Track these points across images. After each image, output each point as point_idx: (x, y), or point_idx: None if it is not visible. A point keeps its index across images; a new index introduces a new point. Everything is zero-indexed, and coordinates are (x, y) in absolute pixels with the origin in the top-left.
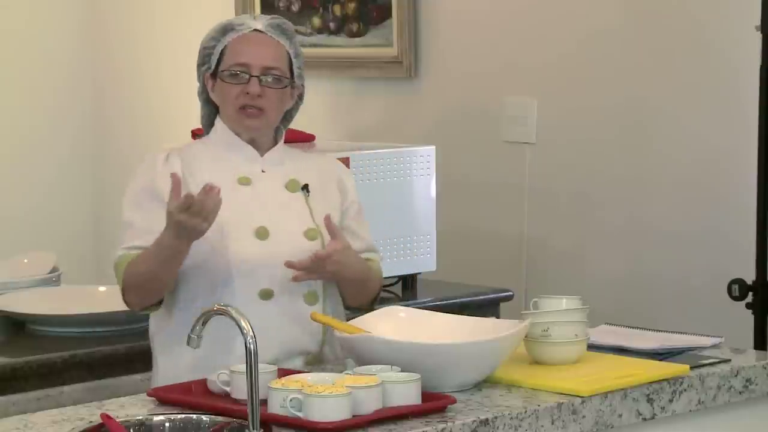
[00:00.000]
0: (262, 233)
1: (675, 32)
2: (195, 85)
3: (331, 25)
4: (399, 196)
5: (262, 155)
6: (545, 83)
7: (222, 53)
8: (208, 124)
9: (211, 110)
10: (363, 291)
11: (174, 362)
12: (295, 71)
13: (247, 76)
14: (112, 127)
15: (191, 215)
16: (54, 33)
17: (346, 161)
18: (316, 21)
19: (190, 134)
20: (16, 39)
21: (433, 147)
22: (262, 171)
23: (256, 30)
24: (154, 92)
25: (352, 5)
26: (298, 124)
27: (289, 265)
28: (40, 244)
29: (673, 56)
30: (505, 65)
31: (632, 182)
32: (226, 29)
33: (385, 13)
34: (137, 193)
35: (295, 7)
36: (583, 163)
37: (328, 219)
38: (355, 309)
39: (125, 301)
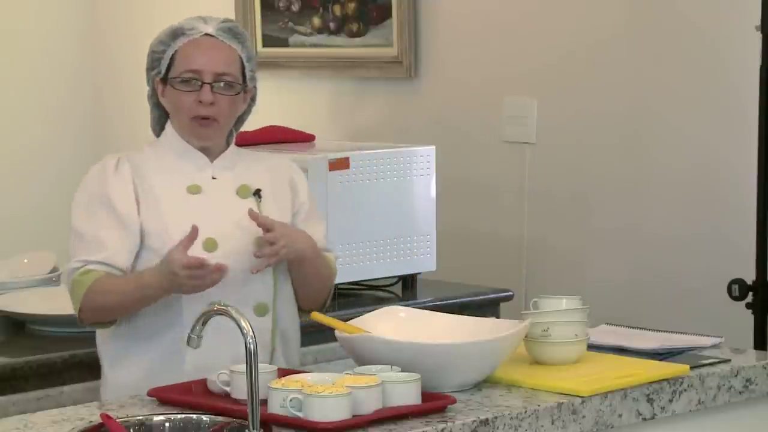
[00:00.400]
0: (210, 245)
1: (675, 32)
2: None
3: (331, 25)
4: (399, 196)
5: (212, 161)
6: (545, 83)
7: (173, 58)
8: (158, 128)
9: (160, 114)
10: (319, 279)
11: (123, 374)
12: (248, 74)
13: (199, 84)
14: (112, 128)
15: (193, 277)
16: (54, 34)
17: (346, 161)
18: (316, 21)
19: None
20: (17, 40)
21: (433, 147)
22: (213, 178)
23: (207, 34)
24: None
25: (352, 5)
26: (298, 124)
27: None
28: (40, 244)
29: (673, 56)
30: (505, 65)
31: (632, 182)
32: (176, 33)
33: (385, 13)
34: (87, 201)
35: (295, 7)
36: (583, 163)
37: (251, 212)
38: (309, 311)
39: (79, 317)
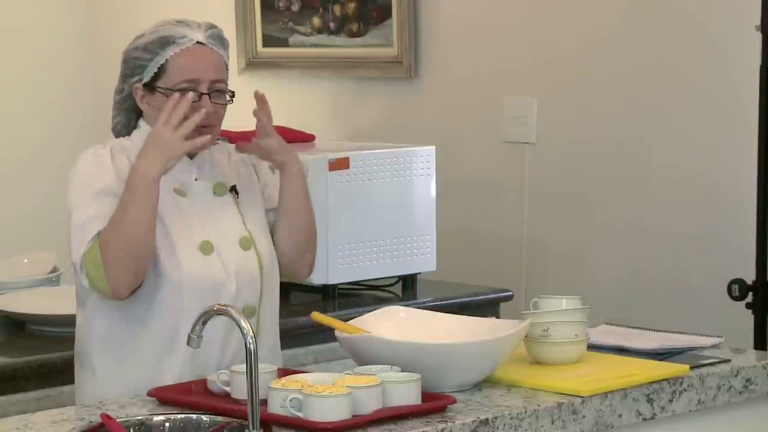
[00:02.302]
0: (206, 248)
1: (675, 32)
2: None
3: (331, 25)
4: (399, 196)
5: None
6: (545, 83)
7: (162, 67)
8: (125, 132)
9: (130, 118)
10: (308, 216)
11: (111, 380)
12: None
13: (198, 95)
14: None
15: (175, 116)
16: (54, 34)
17: (346, 161)
18: (316, 21)
19: None
20: (17, 40)
21: (433, 147)
22: (195, 179)
23: (198, 42)
24: None
25: (352, 5)
26: (298, 124)
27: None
28: (40, 244)
29: (673, 56)
30: (505, 65)
31: (632, 182)
32: (165, 42)
33: (385, 13)
34: (86, 189)
35: (295, 7)
36: (583, 163)
37: (241, 146)
38: (293, 274)
39: (111, 288)
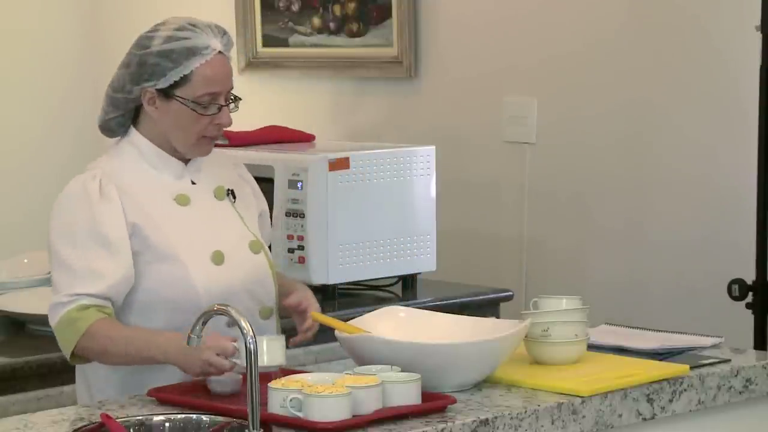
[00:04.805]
0: (218, 258)
1: (675, 32)
2: None
3: (331, 25)
4: (399, 196)
5: (185, 164)
6: (545, 83)
7: (185, 77)
8: (117, 128)
9: (128, 117)
10: None
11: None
12: None
13: (217, 107)
14: None
15: (214, 365)
16: (55, 34)
17: (346, 161)
18: (316, 21)
19: None
20: (18, 40)
21: (433, 147)
22: (192, 183)
23: (219, 52)
24: None
25: (352, 5)
26: (298, 124)
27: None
28: (40, 244)
29: (673, 56)
30: (505, 65)
31: (632, 182)
32: (190, 53)
33: (385, 13)
34: (74, 231)
35: (295, 7)
36: (583, 163)
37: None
38: None
39: (71, 354)
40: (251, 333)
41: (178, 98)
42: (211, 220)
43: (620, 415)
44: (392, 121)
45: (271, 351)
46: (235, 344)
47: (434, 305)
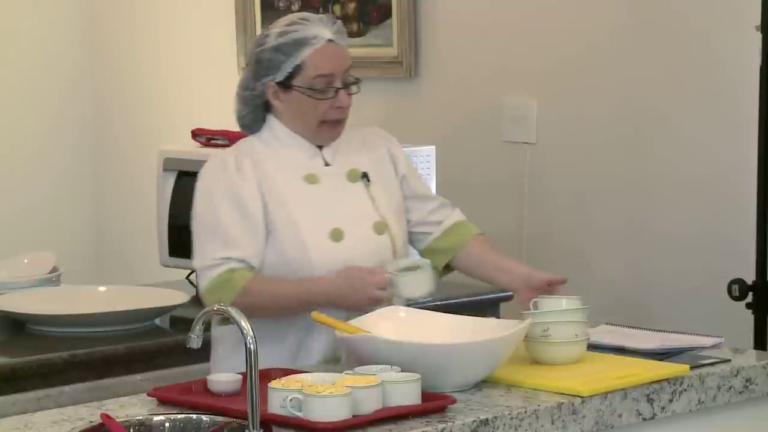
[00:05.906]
0: (336, 235)
1: (675, 32)
2: (194, 85)
3: None
4: None
5: (320, 148)
6: (545, 83)
7: (297, 67)
8: (252, 123)
9: (259, 112)
10: None
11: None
12: None
13: (334, 90)
14: (112, 127)
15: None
16: (54, 34)
17: None
18: None
19: (190, 134)
20: (17, 40)
21: (433, 147)
22: (326, 165)
23: (329, 40)
24: (153, 93)
25: (352, 5)
26: None
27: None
28: (40, 244)
29: (673, 56)
30: (504, 65)
31: (632, 182)
32: (299, 43)
33: (385, 13)
34: (216, 198)
35: (295, 7)
36: (583, 163)
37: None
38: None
39: (239, 302)
40: (251, 333)
41: (296, 87)
42: (338, 200)
43: (620, 415)
44: (392, 121)
45: (418, 281)
46: (386, 274)
47: (434, 305)
